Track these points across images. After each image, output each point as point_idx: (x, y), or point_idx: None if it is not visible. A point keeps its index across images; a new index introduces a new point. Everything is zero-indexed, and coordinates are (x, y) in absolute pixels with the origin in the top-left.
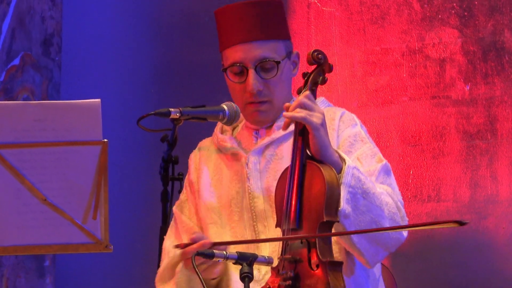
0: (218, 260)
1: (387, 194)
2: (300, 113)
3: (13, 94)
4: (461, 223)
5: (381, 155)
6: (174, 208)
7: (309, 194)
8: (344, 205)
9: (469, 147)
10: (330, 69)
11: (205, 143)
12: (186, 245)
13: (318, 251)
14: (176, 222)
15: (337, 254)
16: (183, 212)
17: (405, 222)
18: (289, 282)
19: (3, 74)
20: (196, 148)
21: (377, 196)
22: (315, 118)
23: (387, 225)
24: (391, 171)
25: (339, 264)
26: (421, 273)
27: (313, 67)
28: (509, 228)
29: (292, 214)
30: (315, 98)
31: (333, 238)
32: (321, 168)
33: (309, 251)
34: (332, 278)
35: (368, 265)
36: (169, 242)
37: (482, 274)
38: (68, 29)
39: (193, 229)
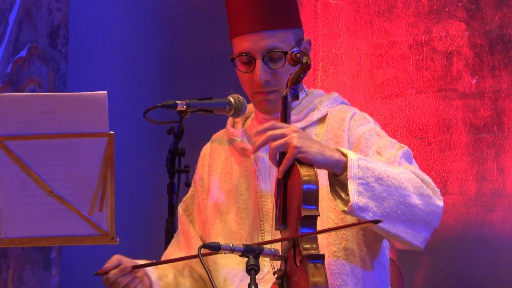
0: (225, 253)
1: (408, 172)
2: (274, 144)
3: (19, 86)
4: (376, 222)
5: (401, 144)
6: (179, 207)
7: (290, 194)
8: (355, 199)
9: (475, 140)
10: (308, 66)
11: (219, 135)
12: (106, 272)
13: (301, 247)
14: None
15: (356, 250)
16: (188, 210)
17: (438, 193)
18: (280, 281)
19: (9, 66)
20: (209, 141)
21: (393, 177)
22: (291, 139)
23: (416, 201)
24: (413, 158)
25: (319, 257)
26: (428, 266)
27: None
28: None
29: (278, 214)
30: (298, 98)
31: (365, 233)
32: (299, 167)
33: (294, 248)
34: (312, 271)
35: (414, 247)
36: (171, 249)
37: (488, 267)
38: (75, 21)
39: (189, 233)
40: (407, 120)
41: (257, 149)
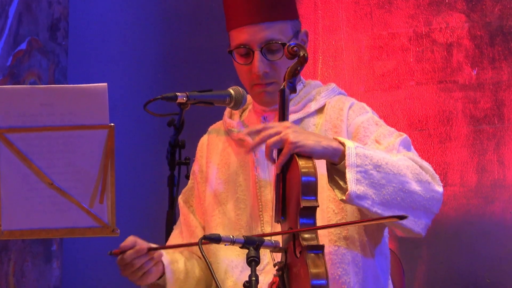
0: (225, 244)
1: (406, 159)
2: (270, 141)
3: (20, 79)
4: (401, 218)
5: (399, 132)
6: (180, 198)
7: (289, 186)
8: (353, 187)
9: (476, 131)
10: (305, 59)
11: (215, 126)
12: (122, 252)
13: (301, 238)
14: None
15: (356, 239)
16: (188, 202)
17: (437, 179)
18: (280, 272)
19: (10, 59)
20: (206, 132)
21: (392, 164)
22: (286, 136)
23: (416, 187)
24: (411, 145)
25: (319, 247)
26: (428, 258)
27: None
28: None
29: (278, 207)
30: (295, 91)
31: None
32: (298, 159)
33: (294, 240)
34: (312, 262)
35: (415, 234)
36: (173, 234)
37: (489, 259)
38: (75, 14)
39: (191, 223)
40: (407, 112)
41: (252, 149)
